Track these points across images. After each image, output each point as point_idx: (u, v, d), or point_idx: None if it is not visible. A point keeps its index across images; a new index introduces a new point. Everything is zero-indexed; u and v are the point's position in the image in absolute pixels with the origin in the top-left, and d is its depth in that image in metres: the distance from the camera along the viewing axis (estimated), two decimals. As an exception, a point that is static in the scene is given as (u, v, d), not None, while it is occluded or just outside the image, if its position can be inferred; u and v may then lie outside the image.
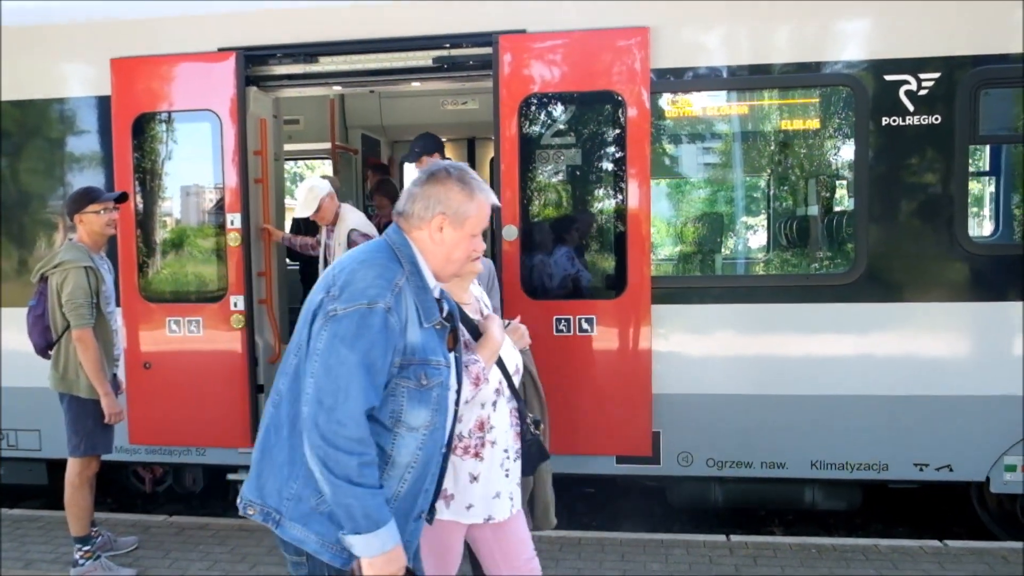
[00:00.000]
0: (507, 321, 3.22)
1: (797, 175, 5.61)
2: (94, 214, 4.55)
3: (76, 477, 4.57)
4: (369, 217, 7.49)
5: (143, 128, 5.46)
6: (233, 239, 5.35)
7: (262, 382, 5.52)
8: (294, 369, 2.27)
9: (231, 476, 5.65)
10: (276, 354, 5.71)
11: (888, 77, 4.69)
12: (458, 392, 2.50)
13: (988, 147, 6.16)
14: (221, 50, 5.31)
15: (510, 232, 5.00)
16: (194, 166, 5.56)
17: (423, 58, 5.21)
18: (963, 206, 4.72)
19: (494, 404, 2.78)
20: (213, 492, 6.04)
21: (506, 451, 2.82)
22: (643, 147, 4.88)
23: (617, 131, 4.98)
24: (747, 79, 4.94)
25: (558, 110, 5.13)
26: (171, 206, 5.67)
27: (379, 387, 2.19)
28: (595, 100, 5.03)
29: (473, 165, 9.28)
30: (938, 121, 4.66)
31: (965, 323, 4.79)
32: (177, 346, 5.40)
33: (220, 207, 5.42)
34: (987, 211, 7.27)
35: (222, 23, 5.37)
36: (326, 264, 5.30)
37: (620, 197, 4.99)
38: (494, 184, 5.19)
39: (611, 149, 5.06)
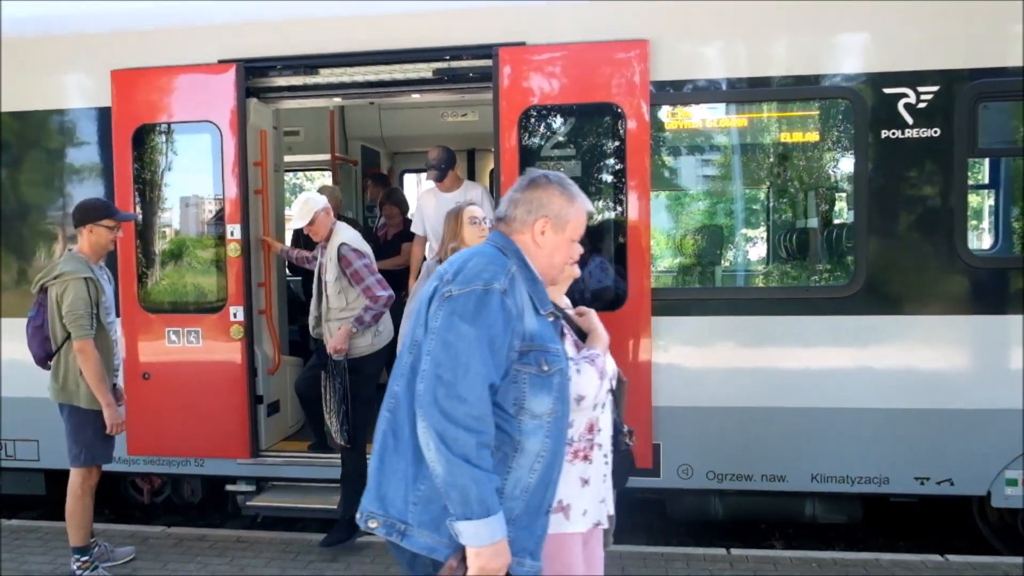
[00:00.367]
0: None
1: (796, 187, 5.61)
2: (106, 228, 4.57)
3: (78, 487, 4.56)
4: (370, 229, 7.51)
5: (143, 139, 5.47)
6: (233, 250, 5.35)
7: (261, 393, 5.52)
8: (409, 368, 2.22)
9: (230, 487, 5.63)
10: (276, 365, 5.70)
11: (887, 90, 4.70)
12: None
13: (987, 160, 6.16)
14: (221, 62, 5.33)
15: None
16: (194, 177, 5.57)
17: (423, 70, 5.23)
18: (962, 219, 4.72)
19: (603, 405, 2.68)
20: (211, 503, 6.02)
21: (606, 456, 2.72)
22: (643, 159, 4.89)
23: (617, 143, 4.99)
24: (747, 92, 4.95)
25: (558, 122, 5.14)
26: (171, 217, 5.68)
27: (500, 366, 2.15)
28: (595, 112, 5.05)
29: (472, 177, 9.29)
30: (937, 134, 4.67)
31: (965, 336, 4.78)
32: (176, 357, 5.40)
33: (220, 218, 5.42)
34: (986, 224, 7.28)
35: (222, 35, 5.39)
36: (319, 281, 5.17)
37: (620, 209, 5.00)
38: (495, 196, 5.21)
39: (611, 161, 5.07)
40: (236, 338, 5.36)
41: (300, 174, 8.31)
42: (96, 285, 4.48)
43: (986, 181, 6.46)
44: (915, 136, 4.68)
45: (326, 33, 5.30)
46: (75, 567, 4.56)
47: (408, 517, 2.18)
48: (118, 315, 5.08)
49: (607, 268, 5.10)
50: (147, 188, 5.54)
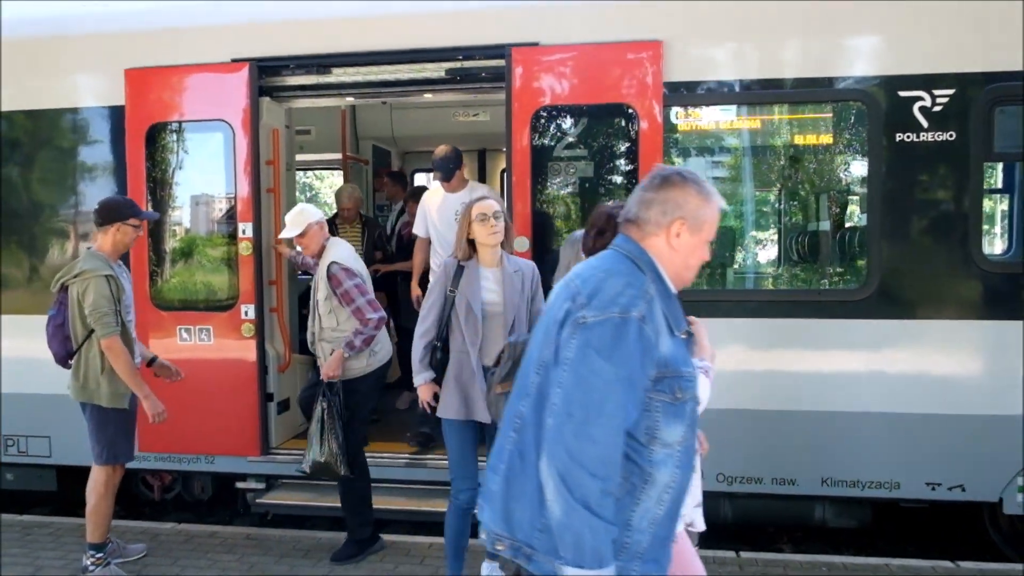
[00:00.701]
0: None
1: (809, 190, 5.59)
2: (131, 227, 4.57)
3: (101, 485, 4.56)
4: (387, 227, 7.46)
5: (157, 138, 5.50)
6: (245, 248, 5.37)
7: (272, 391, 5.53)
8: (537, 389, 2.10)
9: (240, 484, 5.65)
10: (286, 362, 5.72)
11: (902, 93, 4.68)
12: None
13: (1002, 164, 6.12)
14: (234, 61, 5.35)
15: (521, 243, 5.00)
16: (206, 176, 5.60)
17: (436, 70, 5.23)
18: (977, 223, 4.69)
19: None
20: (221, 501, 6.04)
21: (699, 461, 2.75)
22: (655, 160, 4.87)
23: (629, 144, 4.98)
24: (760, 93, 4.93)
25: (570, 122, 5.14)
26: (183, 215, 5.70)
27: (638, 403, 2.02)
28: (607, 113, 5.04)
29: (483, 177, 9.29)
30: (952, 138, 4.64)
31: (978, 341, 4.75)
32: (187, 354, 5.42)
33: (232, 216, 5.44)
34: (1000, 228, 7.23)
35: (236, 34, 5.41)
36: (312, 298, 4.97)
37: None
38: (506, 195, 5.21)
39: (623, 162, 5.07)
40: (247, 336, 5.38)
41: (311, 173, 8.30)
42: (117, 283, 4.46)
43: (1000, 186, 6.41)
44: (930, 140, 4.66)
45: (339, 32, 5.31)
46: (88, 562, 4.57)
47: (534, 542, 2.08)
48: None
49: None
50: (160, 186, 5.57)
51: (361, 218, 6.89)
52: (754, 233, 5.95)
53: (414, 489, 5.40)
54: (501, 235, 4.07)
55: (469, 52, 5.15)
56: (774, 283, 5.89)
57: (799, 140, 5.15)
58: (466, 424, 4.10)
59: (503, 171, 8.63)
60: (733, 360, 4.93)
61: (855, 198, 5.41)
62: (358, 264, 4.91)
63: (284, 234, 4.86)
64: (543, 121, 5.08)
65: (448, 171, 5.69)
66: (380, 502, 5.03)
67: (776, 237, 6.21)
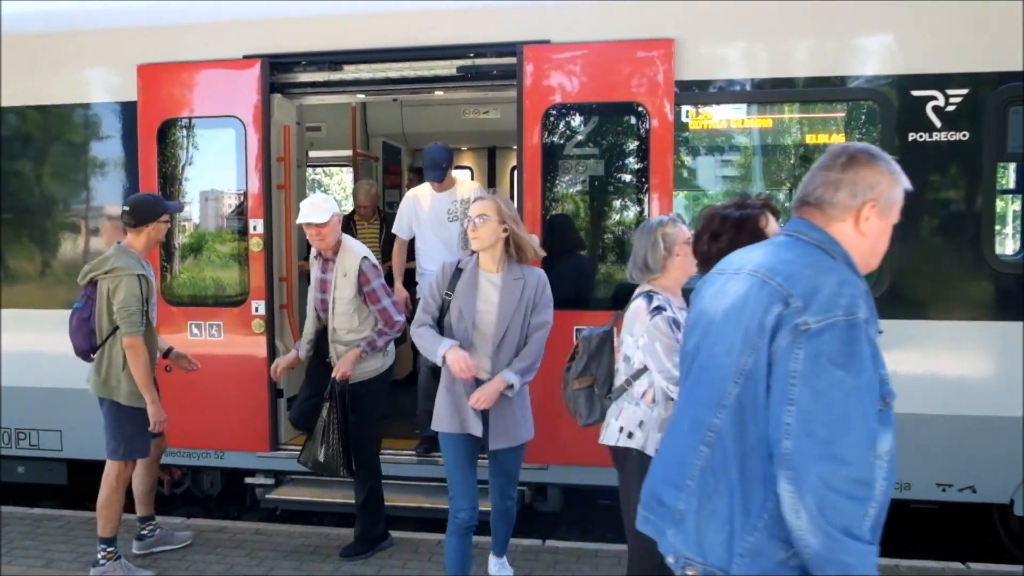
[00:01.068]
0: None
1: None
2: (164, 223, 4.61)
3: (113, 479, 4.58)
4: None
5: (168, 133, 5.52)
6: (255, 244, 5.39)
7: (282, 387, 5.55)
8: (736, 400, 1.93)
9: (249, 480, 5.67)
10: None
11: (915, 92, 4.66)
12: None
13: (1015, 164, 6.09)
14: (247, 57, 5.36)
15: (532, 241, 4.99)
16: (217, 172, 5.61)
17: (447, 67, 5.23)
18: (990, 223, 4.67)
19: None
20: (230, 496, 6.06)
21: None
22: (666, 158, 4.87)
23: (640, 142, 4.97)
24: (772, 92, 4.92)
25: (581, 120, 5.13)
26: (194, 211, 5.72)
27: (876, 413, 1.85)
28: (618, 111, 5.03)
29: (493, 174, 9.30)
30: (965, 138, 4.62)
31: (990, 342, 4.73)
32: (197, 350, 5.42)
33: (242, 212, 5.46)
34: (1013, 229, 7.19)
35: (248, 30, 5.42)
36: (323, 298, 4.77)
37: (642, 208, 4.98)
38: (516, 194, 5.21)
39: (634, 160, 5.06)
40: (257, 332, 5.40)
41: (320, 170, 8.32)
42: (148, 282, 4.49)
43: (1013, 186, 6.37)
44: (943, 139, 4.64)
45: (350, 29, 5.31)
46: (99, 556, 4.60)
47: (732, 568, 1.91)
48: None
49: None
50: (171, 182, 5.58)
51: (379, 214, 6.84)
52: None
53: (423, 486, 5.41)
54: (483, 241, 3.79)
55: (480, 50, 5.15)
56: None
57: (810, 139, 5.13)
58: (462, 437, 3.88)
59: (513, 169, 8.65)
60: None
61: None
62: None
63: (310, 219, 4.53)
64: (554, 119, 5.08)
65: (442, 173, 5.49)
66: (389, 499, 5.04)
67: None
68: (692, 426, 2.05)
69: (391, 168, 8.80)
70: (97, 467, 5.92)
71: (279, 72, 5.43)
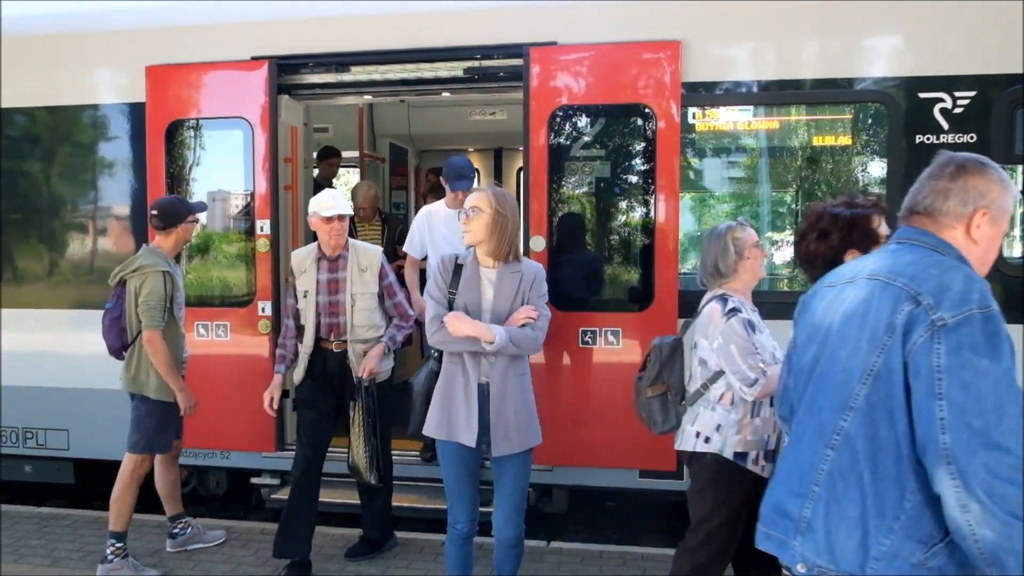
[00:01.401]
0: None
1: (827, 191, 5.56)
2: (191, 224, 4.75)
3: (129, 474, 4.66)
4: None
5: (176, 134, 5.54)
6: (262, 245, 5.41)
7: (287, 387, 5.55)
8: (864, 401, 1.92)
9: (254, 480, 5.68)
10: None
11: (922, 94, 4.65)
12: None
13: (1022, 167, 6.07)
14: (254, 58, 5.39)
15: (538, 243, 5.01)
16: (225, 172, 5.63)
17: (454, 69, 5.24)
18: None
19: None
20: (236, 495, 6.08)
21: None
22: (673, 160, 4.87)
23: (647, 144, 4.97)
24: (779, 94, 4.91)
25: (587, 122, 5.13)
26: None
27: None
28: (625, 113, 5.03)
29: (499, 175, 9.31)
30: (973, 140, 4.61)
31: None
32: (204, 350, 5.46)
33: (249, 213, 5.47)
34: (1020, 231, 7.17)
35: (256, 32, 5.44)
36: (332, 304, 4.57)
37: (649, 210, 4.99)
38: (522, 195, 5.21)
39: (640, 162, 5.06)
40: (264, 332, 5.41)
41: (315, 170, 8.37)
42: (172, 280, 4.60)
43: (1022, 188, 6.36)
44: (950, 142, 4.62)
45: (358, 31, 5.33)
46: (108, 552, 4.63)
47: (866, 572, 1.90)
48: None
49: (635, 268, 5.09)
50: (179, 182, 5.61)
51: (380, 215, 6.81)
52: (771, 234, 5.93)
53: (428, 487, 5.41)
54: (474, 236, 3.60)
55: (487, 51, 5.16)
56: (790, 284, 5.87)
57: (817, 141, 5.13)
58: (459, 445, 3.63)
59: (519, 170, 8.65)
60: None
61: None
62: None
63: (341, 210, 4.45)
64: (560, 120, 5.08)
65: (469, 182, 5.25)
66: (393, 499, 5.04)
67: (793, 239, 6.18)
68: (816, 432, 2.03)
69: (398, 169, 8.82)
70: (103, 467, 5.97)
71: (287, 73, 5.44)
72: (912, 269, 1.94)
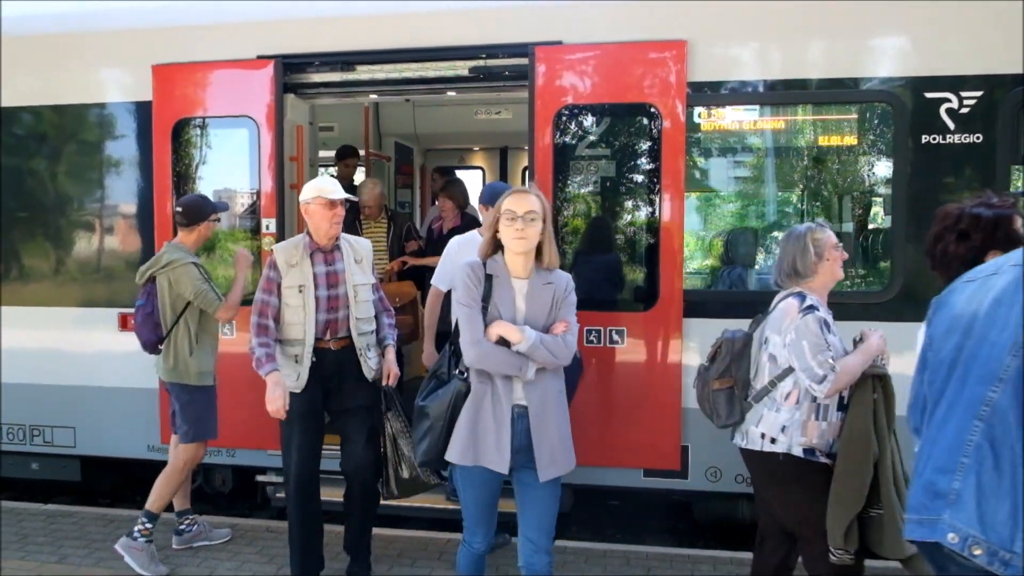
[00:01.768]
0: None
1: (833, 191, 5.55)
2: (214, 222, 4.89)
3: (181, 462, 4.81)
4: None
5: (182, 133, 5.56)
6: (268, 244, 5.42)
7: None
8: (1015, 373, 1.93)
9: (260, 478, 5.70)
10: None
11: (929, 95, 4.64)
12: None
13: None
14: (260, 57, 5.40)
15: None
16: (231, 171, 5.65)
17: (460, 68, 5.25)
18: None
19: None
20: (242, 493, 6.09)
21: None
22: (678, 160, 4.87)
23: (652, 143, 4.97)
24: (784, 94, 4.90)
25: (593, 121, 5.14)
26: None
27: None
28: (630, 112, 5.04)
29: (505, 174, 9.32)
30: (979, 140, 4.60)
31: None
32: (210, 348, 5.47)
33: (255, 212, 5.49)
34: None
35: (262, 31, 5.45)
36: (331, 299, 4.26)
37: (654, 209, 4.99)
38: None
39: (645, 161, 5.06)
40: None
41: (333, 169, 8.37)
42: (202, 268, 4.77)
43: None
44: (957, 142, 4.62)
45: (363, 30, 5.34)
46: (136, 528, 4.74)
47: (1015, 545, 1.89)
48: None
49: (640, 268, 5.09)
50: (185, 181, 5.63)
51: (387, 212, 6.79)
52: (776, 234, 5.91)
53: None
54: (530, 243, 3.33)
55: (492, 51, 5.16)
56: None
57: (823, 141, 5.12)
58: (483, 470, 3.36)
59: (525, 169, 8.66)
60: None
61: (879, 200, 5.37)
62: None
63: (338, 195, 4.22)
64: (566, 120, 5.08)
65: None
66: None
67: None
68: (965, 407, 2.03)
69: (403, 168, 8.84)
70: (110, 464, 6.00)
71: (292, 72, 5.45)
72: None
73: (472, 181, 9.51)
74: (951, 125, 4.62)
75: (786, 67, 4.85)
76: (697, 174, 5.36)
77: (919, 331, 2.33)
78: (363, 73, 5.42)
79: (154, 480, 4.90)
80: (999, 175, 4.60)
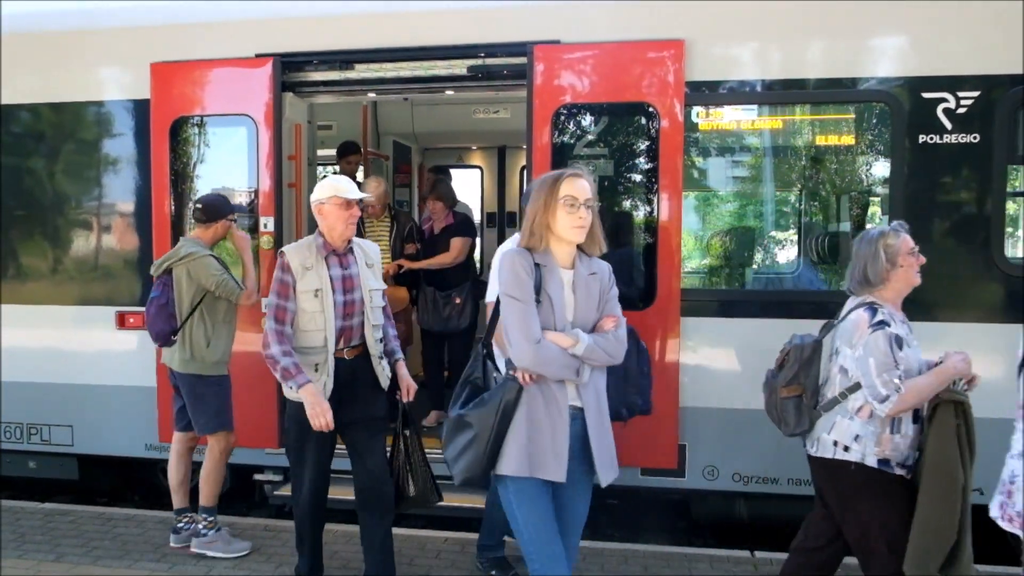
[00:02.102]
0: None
1: (830, 191, 5.57)
2: (232, 221, 4.96)
3: (218, 453, 4.90)
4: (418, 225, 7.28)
5: (180, 131, 5.56)
6: (266, 242, 5.42)
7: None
8: None
9: (257, 477, 5.70)
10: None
11: (926, 95, 4.66)
12: None
13: (1026, 167, 6.09)
14: (259, 56, 5.39)
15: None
16: (229, 169, 5.64)
17: (458, 67, 5.26)
18: (1000, 226, 4.66)
19: None
20: (239, 492, 6.09)
21: None
22: (675, 159, 4.88)
23: (650, 143, 4.98)
24: (782, 94, 4.92)
25: (591, 120, 5.15)
26: (205, 208, 5.75)
27: None
28: (628, 111, 5.04)
29: (503, 174, 9.32)
30: (976, 140, 4.61)
31: (999, 345, 4.70)
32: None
33: (253, 210, 5.49)
34: (1022, 231, 7.18)
35: (260, 29, 5.45)
36: (347, 304, 4.03)
37: (651, 208, 4.99)
38: (525, 193, 5.21)
39: (643, 160, 5.07)
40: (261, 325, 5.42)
41: (331, 168, 8.37)
42: (220, 260, 4.85)
43: (1022, 188, 6.37)
44: (953, 142, 4.63)
45: (362, 29, 5.34)
46: (201, 526, 4.92)
47: None
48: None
49: (637, 267, 5.10)
50: (183, 179, 5.62)
51: (390, 211, 6.70)
52: (774, 233, 5.94)
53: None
54: (586, 232, 3.13)
55: (491, 49, 5.17)
56: (793, 283, 5.88)
57: (821, 141, 5.14)
58: (540, 481, 3.10)
59: (523, 168, 8.66)
60: (749, 360, 4.93)
61: (876, 199, 5.39)
62: None
63: (356, 194, 4.06)
64: (564, 119, 5.09)
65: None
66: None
67: (796, 238, 6.20)
68: None
69: (401, 167, 8.83)
70: (107, 463, 6.00)
71: (291, 71, 5.45)
72: None
73: (470, 180, 9.52)
74: (948, 125, 4.64)
75: (784, 67, 4.86)
76: (695, 173, 5.37)
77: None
78: (361, 72, 5.42)
79: (150, 477, 4.92)
80: (996, 175, 4.62)
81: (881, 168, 5.01)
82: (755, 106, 5.10)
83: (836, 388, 3.42)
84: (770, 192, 5.65)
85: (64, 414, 5.86)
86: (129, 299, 5.71)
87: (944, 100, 4.64)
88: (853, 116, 5.05)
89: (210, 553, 4.87)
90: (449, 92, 5.72)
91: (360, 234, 6.10)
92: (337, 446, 4.23)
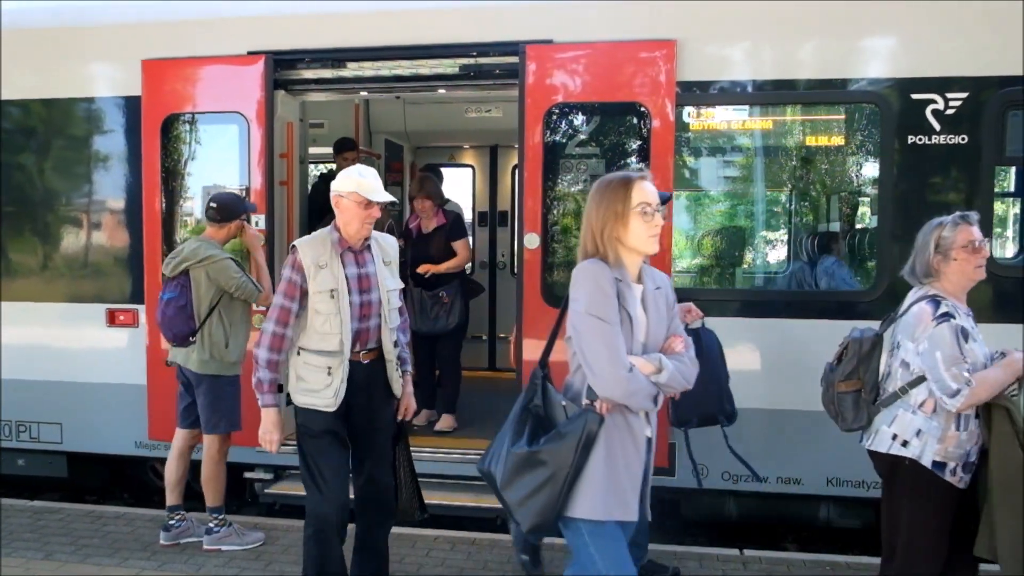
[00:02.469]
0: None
1: (820, 191, 5.60)
2: (243, 221, 4.96)
3: (216, 454, 4.91)
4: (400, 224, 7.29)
5: (172, 128, 5.54)
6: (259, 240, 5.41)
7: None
8: None
9: (248, 475, 5.69)
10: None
11: (915, 96, 4.69)
12: None
13: (1014, 168, 6.12)
14: (251, 53, 5.39)
15: (532, 240, 5.03)
16: (220, 167, 5.65)
17: (450, 66, 5.26)
18: (988, 227, 4.68)
19: None
20: (230, 490, 6.07)
21: None
22: (667, 159, 4.90)
23: (641, 142, 5.00)
24: (773, 94, 4.94)
25: (583, 120, 5.16)
26: (196, 206, 5.75)
27: None
28: (620, 111, 5.06)
29: (495, 173, 9.32)
30: (964, 141, 4.65)
31: (988, 345, 4.74)
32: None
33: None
34: (1012, 232, 7.23)
35: (252, 27, 5.45)
36: (363, 305, 3.72)
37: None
38: (517, 192, 5.23)
39: (635, 160, 5.08)
40: (258, 327, 5.40)
41: (323, 166, 8.36)
42: (237, 261, 4.86)
43: (1012, 189, 6.41)
44: (942, 143, 4.67)
45: (354, 27, 5.34)
46: (212, 524, 4.93)
47: None
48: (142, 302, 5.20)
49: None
50: (174, 176, 5.61)
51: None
52: (764, 233, 5.96)
53: (425, 482, 5.41)
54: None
55: (483, 48, 5.17)
56: (783, 283, 5.90)
57: (811, 141, 5.16)
58: (616, 523, 2.80)
59: (515, 167, 8.67)
60: (740, 359, 4.95)
61: (866, 200, 5.42)
62: None
63: (380, 196, 3.68)
64: (556, 118, 5.10)
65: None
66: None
67: (786, 237, 6.22)
68: None
69: (393, 166, 8.81)
70: (96, 460, 5.98)
71: (283, 69, 5.45)
72: None
73: (462, 179, 9.51)
74: (937, 126, 4.67)
75: (775, 67, 4.88)
76: (686, 173, 5.39)
77: None
78: (353, 70, 5.42)
79: (141, 475, 4.91)
80: (983, 176, 4.65)
81: (871, 168, 5.03)
82: (746, 106, 5.12)
83: (897, 383, 3.32)
84: (761, 192, 5.67)
85: (53, 411, 5.84)
86: (119, 296, 5.70)
87: (933, 101, 4.67)
88: (843, 117, 5.07)
89: (225, 548, 4.91)
90: (441, 91, 5.72)
91: None
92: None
